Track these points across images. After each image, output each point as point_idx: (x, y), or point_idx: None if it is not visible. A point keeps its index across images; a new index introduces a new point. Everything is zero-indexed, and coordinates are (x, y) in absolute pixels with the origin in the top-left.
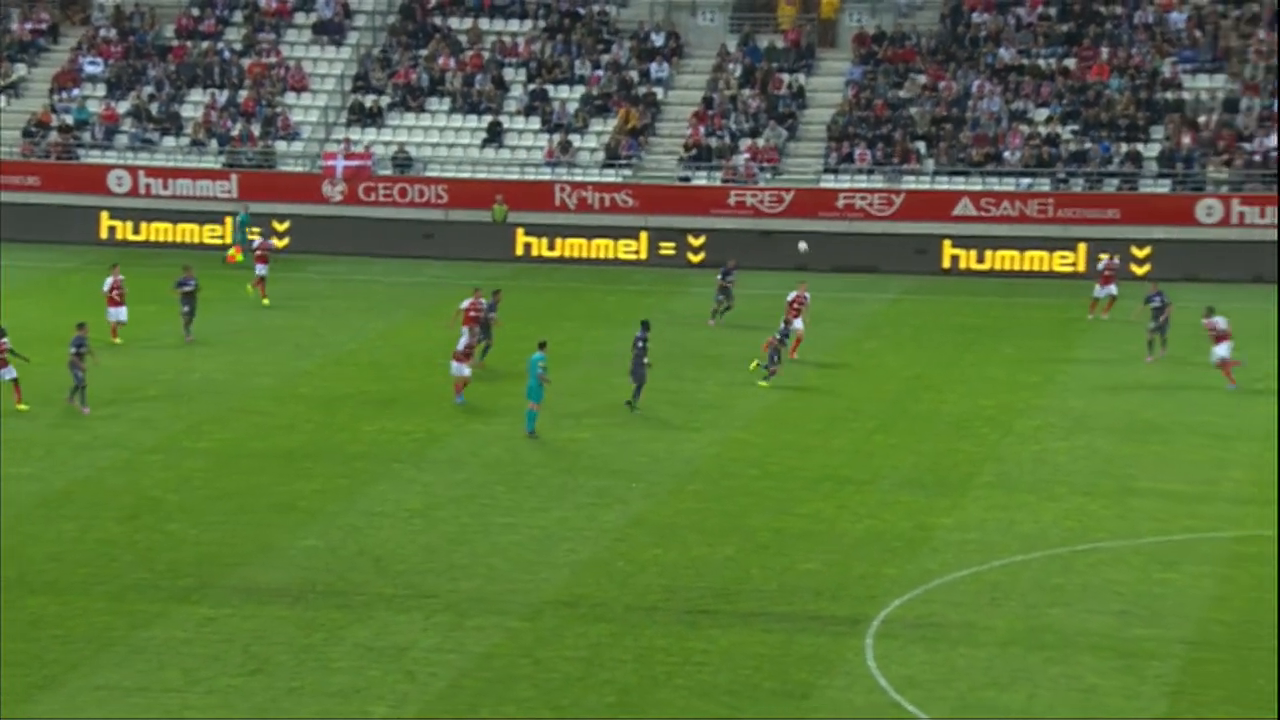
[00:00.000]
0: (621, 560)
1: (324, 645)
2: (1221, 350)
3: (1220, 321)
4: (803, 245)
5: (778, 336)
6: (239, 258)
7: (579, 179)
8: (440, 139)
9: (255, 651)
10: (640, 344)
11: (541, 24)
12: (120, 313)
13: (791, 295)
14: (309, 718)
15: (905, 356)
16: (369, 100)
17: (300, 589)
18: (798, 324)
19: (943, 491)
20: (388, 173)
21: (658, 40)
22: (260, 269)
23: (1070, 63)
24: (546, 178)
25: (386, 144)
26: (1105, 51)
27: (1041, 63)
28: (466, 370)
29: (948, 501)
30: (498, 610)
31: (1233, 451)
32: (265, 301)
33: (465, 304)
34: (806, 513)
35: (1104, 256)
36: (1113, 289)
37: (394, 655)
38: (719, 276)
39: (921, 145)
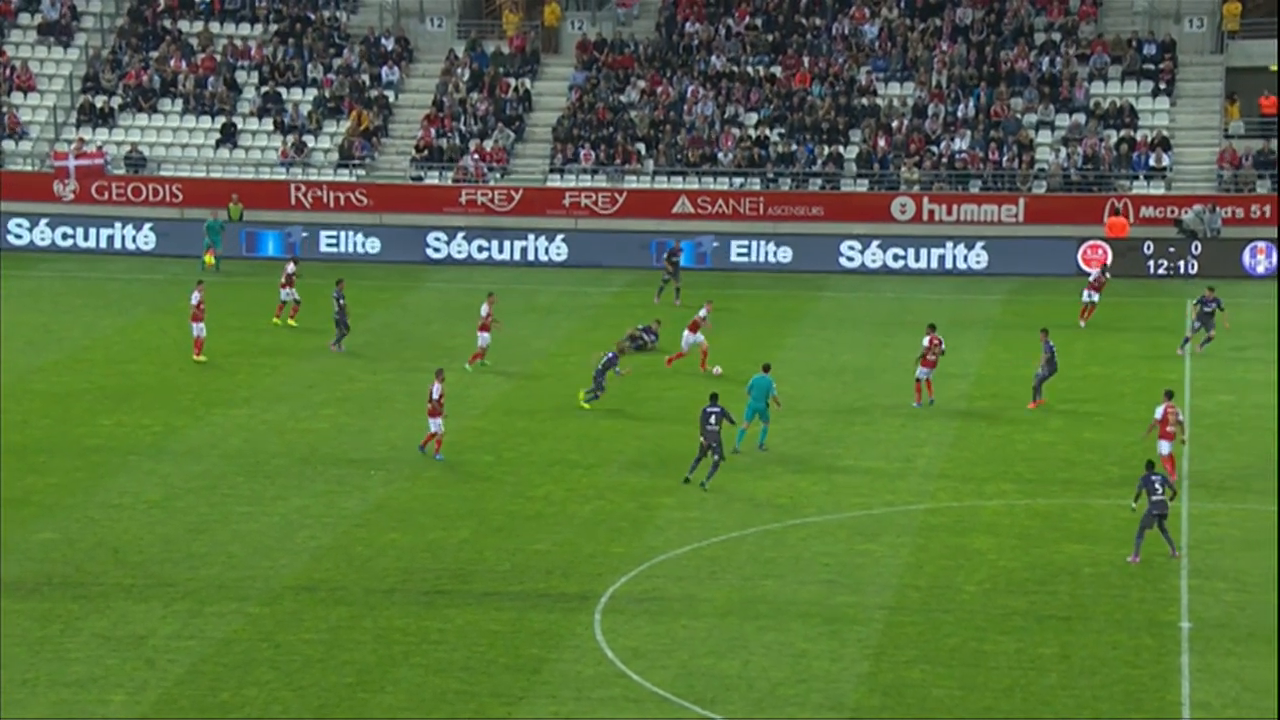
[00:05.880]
0: (360, 545)
1: (60, 636)
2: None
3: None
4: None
5: (607, 356)
6: (211, 261)
7: (314, 179)
8: (174, 139)
9: None
10: (714, 416)
11: (273, 28)
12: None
13: (703, 312)
14: (44, 708)
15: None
16: (99, 101)
17: (36, 582)
18: (699, 338)
19: (665, 473)
20: (121, 172)
21: (388, 45)
22: (287, 293)
23: (776, 70)
24: (281, 177)
25: (119, 144)
26: (807, 60)
27: (750, 70)
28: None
29: (669, 482)
30: (237, 597)
31: (925, 430)
32: (292, 322)
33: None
34: (538, 496)
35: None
36: (1095, 296)
37: (132, 644)
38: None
39: (641, 146)
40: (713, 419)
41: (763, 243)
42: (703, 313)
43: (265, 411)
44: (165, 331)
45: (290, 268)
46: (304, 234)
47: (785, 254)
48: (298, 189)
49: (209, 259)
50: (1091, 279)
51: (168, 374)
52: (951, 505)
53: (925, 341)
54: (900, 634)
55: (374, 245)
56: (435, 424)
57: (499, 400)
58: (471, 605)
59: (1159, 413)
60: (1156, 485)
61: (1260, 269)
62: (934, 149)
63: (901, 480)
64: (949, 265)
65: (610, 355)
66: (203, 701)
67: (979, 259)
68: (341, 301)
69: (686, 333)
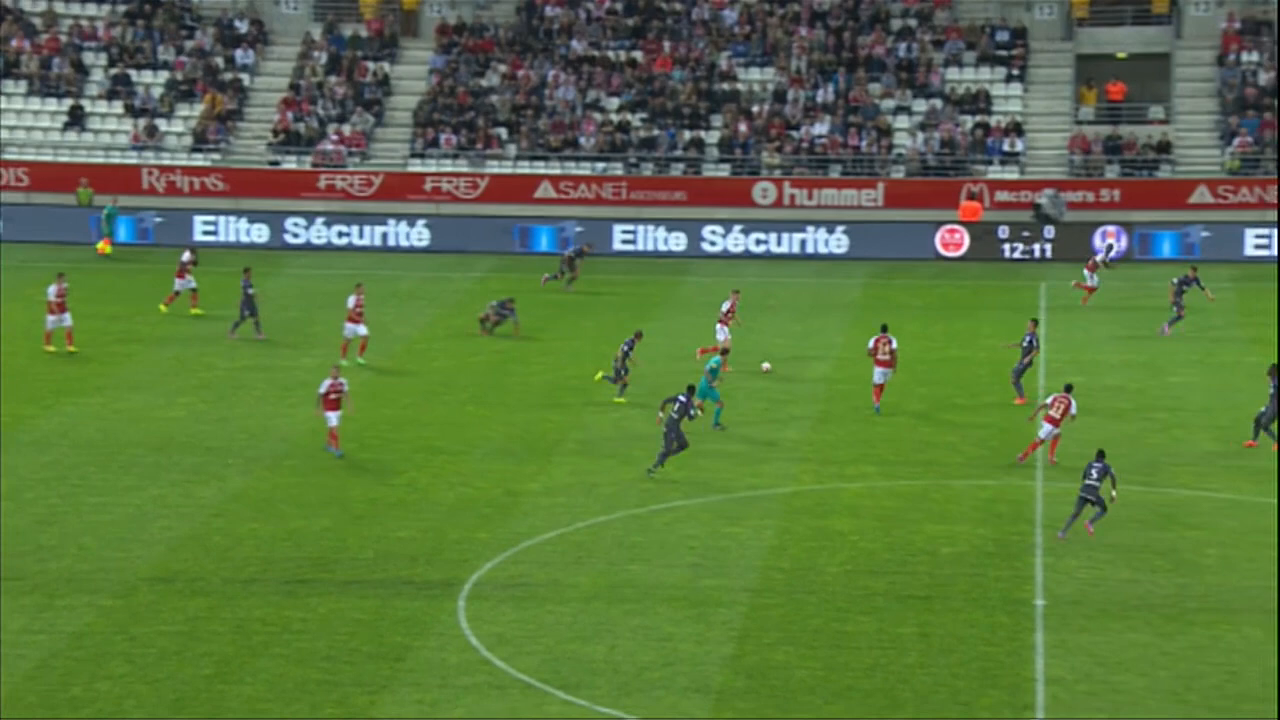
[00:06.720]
0: (219, 535)
1: None
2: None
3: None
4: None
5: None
6: (108, 250)
7: (167, 163)
8: (18, 122)
9: None
10: (682, 405)
11: (121, 8)
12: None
13: (726, 306)
14: None
15: (492, 331)
16: None
17: None
18: (723, 334)
19: (531, 458)
20: None
21: (241, 27)
22: (182, 283)
23: (637, 55)
24: (133, 161)
25: None
26: (668, 45)
27: (611, 55)
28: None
29: (535, 468)
30: (89, 589)
31: (787, 413)
32: (196, 311)
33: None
34: (402, 483)
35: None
36: (1095, 279)
37: None
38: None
39: (503, 131)
40: (675, 409)
41: (625, 227)
42: (726, 305)
43: (119, 400)
44: (12, 319)
45: (185, 255)
46: (158, 219)
47: (648, 238)
48: (150, 173)
49: (104, 247)
50: (1100, 259)
51: (16, 362)
52: (814, 488)
53: (870, 343)
54: (764, 616)
55: (232, 230)
56: (333, 418)
57: (360, 387)
58: (334, 594)
59: (1049, 399)
60: (1093, 472)
61: (1110, 252)
62: (794, 134)
63: (765, 464)
64: (810, 250)
65: (628, 341)
66: (52, 697)
67: (839, 243)
68: (250, 290)
69: (719, 326)
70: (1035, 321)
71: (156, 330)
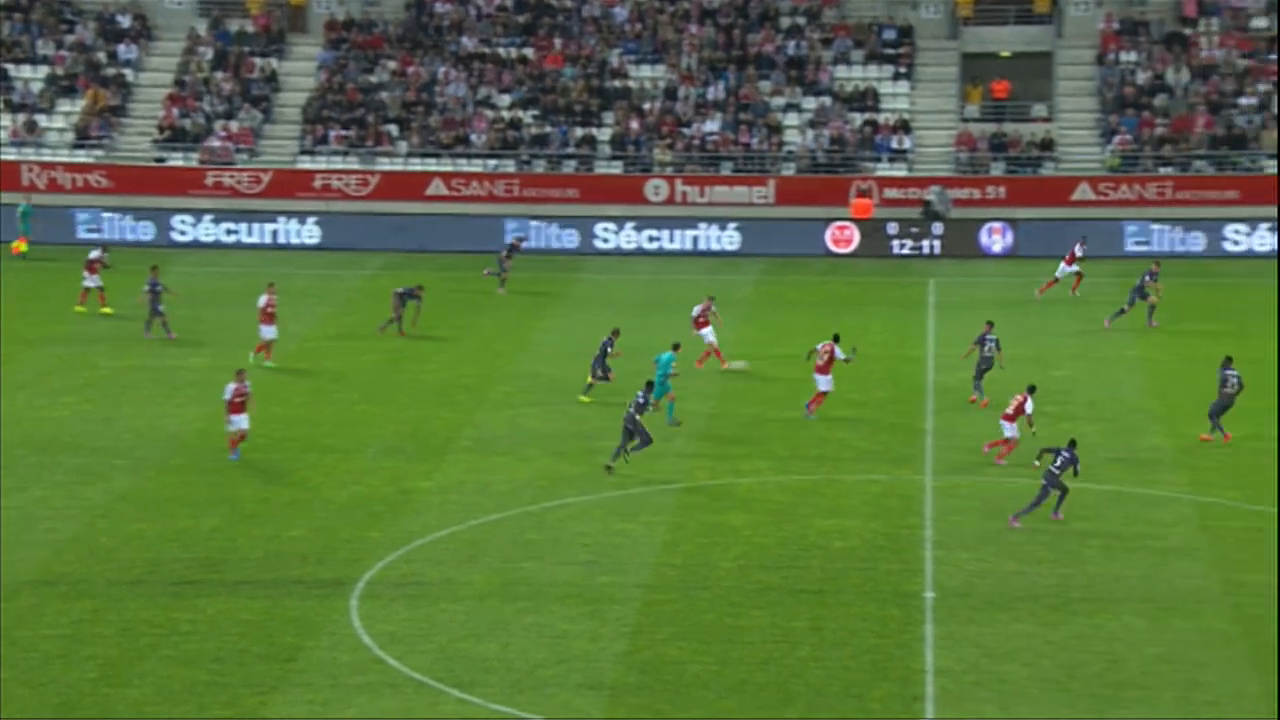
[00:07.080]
0: (104, 536)
1: None
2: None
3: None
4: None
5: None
6: (24, 249)
7: (48, 159)
8: None
9: None
10: (639, 403)
11: None
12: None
13: (697, 310)
14: None
15: (385, 329)
16: None
17: None
18: (709, 335)
19: (423, 456)
20: None
21: (124, 22)
22: (92, 280)
23: (529, 52)
24: (13, 158)
25: None
26: (559, 42)
27: (502, 51)
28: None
29: (428, 465)
30: None
31: (681, 411)
32: (107, 310)
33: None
34: (293, 482)
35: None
36: (1075, 267)
37: None
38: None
39: (394, 128)
40: (632, 406)
41: (518, 224)
42: (697, 310)
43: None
44: None
45: (94, 253)
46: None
47: (540, 235)
48: (30, 170)
49: (19, 245)
50: (1074, 253)
51: None
52: (708, 483)
53: (819, 346)
54: (658, 612)
55: (117, 228)
56: (237, 420)
57: (252, 386)
58: (223, 594)
59: (1014, 399)
60: (1057, 460)
61: (996, 248)
62: (685, 131)
63: (659, 460)
64: (702, 246)
65: (605, 340)
66: None
67: (731, 240)
68: (158, 288)
69: (701, 332)
70: (991, 323)
71: (40, 330)
